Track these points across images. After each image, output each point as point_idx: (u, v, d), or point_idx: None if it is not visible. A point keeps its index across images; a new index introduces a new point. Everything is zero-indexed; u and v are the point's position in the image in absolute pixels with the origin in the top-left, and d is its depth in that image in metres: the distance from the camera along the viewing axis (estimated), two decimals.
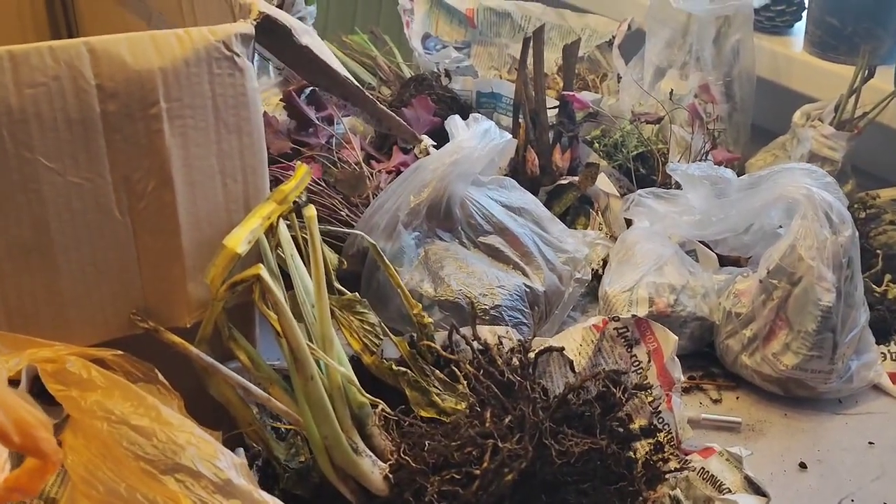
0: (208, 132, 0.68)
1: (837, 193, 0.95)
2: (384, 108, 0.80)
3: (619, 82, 1.47)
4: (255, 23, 0.69)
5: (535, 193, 1.14)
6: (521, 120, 1.17)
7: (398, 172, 1.18)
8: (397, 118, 0.81)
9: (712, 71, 1.31)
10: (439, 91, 1.26)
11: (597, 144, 1.26)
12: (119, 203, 0.66)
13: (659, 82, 1.37)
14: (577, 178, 1.13)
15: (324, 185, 1.13)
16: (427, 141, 1.12)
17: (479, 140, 0.99)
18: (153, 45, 0.64)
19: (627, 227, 1.09)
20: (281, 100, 1.16)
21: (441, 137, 1.20)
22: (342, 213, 1.05)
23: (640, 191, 1.05)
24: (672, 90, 1.35)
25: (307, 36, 0.75)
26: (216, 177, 0.69)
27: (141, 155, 0.66)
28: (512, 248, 1.00)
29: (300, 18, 1.25)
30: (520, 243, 1.00)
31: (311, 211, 0.71)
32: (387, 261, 0.85)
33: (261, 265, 0.66)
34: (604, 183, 1.14)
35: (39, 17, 1.06)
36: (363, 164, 1.17)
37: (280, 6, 1.21)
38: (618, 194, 1.13)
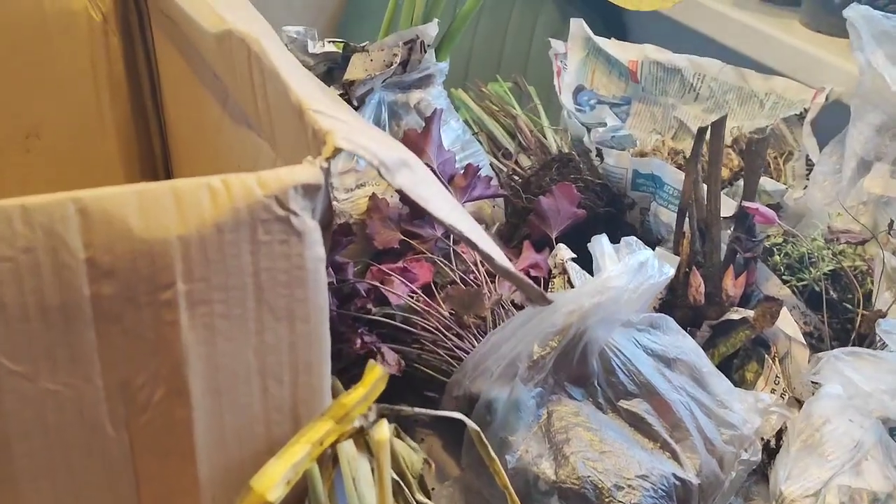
0: (245, 321, 0.48)
1: None
2: (501, 260, 0.58)
3: (806, 166, 1.21)
4: (326, 165, 0.49)
5: (696, 325, 0.91)
6: (685, 229, 0.94)
7: (527, 275, 0.96)
8: (517, 274, 0.59)
9: None
10: (588, 177, 1.03)
11: (777, 256, 1.01)
12: (113, 416, 0.47)
13: (862, 179, 1.11)
14: (751, 314, 0.89)
15: (434, 289, 0.92)
16: (564, 253, 0.90)
17: (631, 277, 0.76)
18: (174, 203, 0.45)
19: (814, 390, 0.84)
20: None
21: (583, 236, 0.98)
22: (449, 339, 0.84)
23: (835, 351, 0.81)
24: (879, 192, 1.09)
25: (405, 171, 0.54)
26: (253, 379, 0.49)
27: (146, 353, 0.46)
28: (660, 418, 0.77)
29: (427, 76, 1.04)
30: (671, 411, 0.77)
31: (382, 432, 0.50)
32: (492, 453, 0.64)
33: None
34: (786, 323, 0.89)
35: (118, 88, 0.89)
36: (479, 268, 0.96)
37: (405, 63, 1.00)
38: (803, 341, 0.88)
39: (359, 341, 0.80)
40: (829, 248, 0.97)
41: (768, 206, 1.15)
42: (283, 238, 0.48)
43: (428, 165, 0.97)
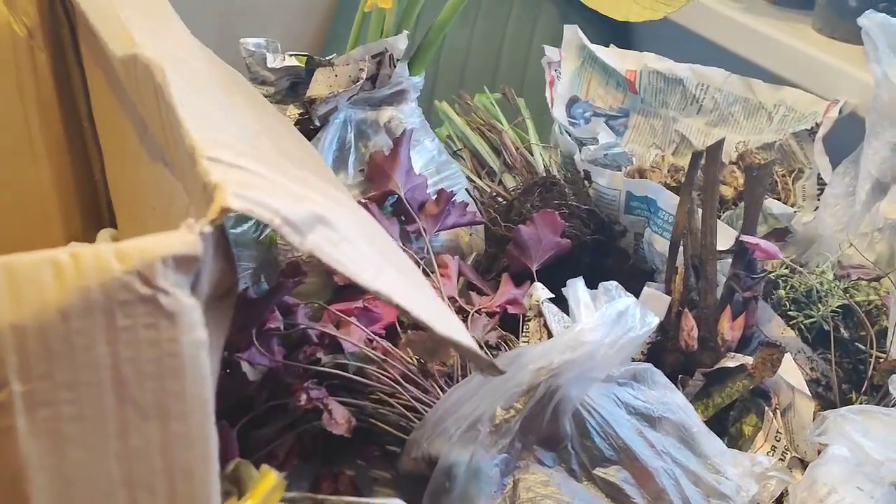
0: (103, 423, 0.39)
1: None
2: (441, 326, 0.49)
3: (817, 185, 1.12)
4: (209, 229, 0.40)
5: (688, 372, 0.82)
6: (678, 264, 0.85)
7: (504, 312, 0.88)
8: (462, 343, 0.50)
9: None
10: (573, 202, 0.94)
11: (782, 290, 0.91)
12: None
13: (878, 203, 1.01)
14: (750, 361, 0.80)
15: (399, 330, 0.84)
16: (540, 293, 0.81)
17: (608, 329, 0.67)
18: (5, 284, 0.37)
19: (820, 449, 0.75)
20: None
21: (567, 269, 0.89)
22: (408, 391, 0.75)
23: (842, 410, 0.72)
24: (893, 217, 0.99)
25: (320, 229, 0.46)
26: (117, 492, 0.40)
27: None
28: (641, 488, 0.68)
29: (399, 92, 0.95)
30: (653, 480, 0.68)
31: None
32: None
33: None
34: (789, 371, 0.80)
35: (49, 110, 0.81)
36: (457, 300, 0.88)
37: (373, 79, 0.91)
38: (808, 392, 0.79)
39: (304, 396, 0.71)
40: (838, 283, 0.87)
41: (775, 230, 1.05)
42: (149, 322, 0.39)
43: (394, 192, 0.89)
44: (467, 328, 0.85)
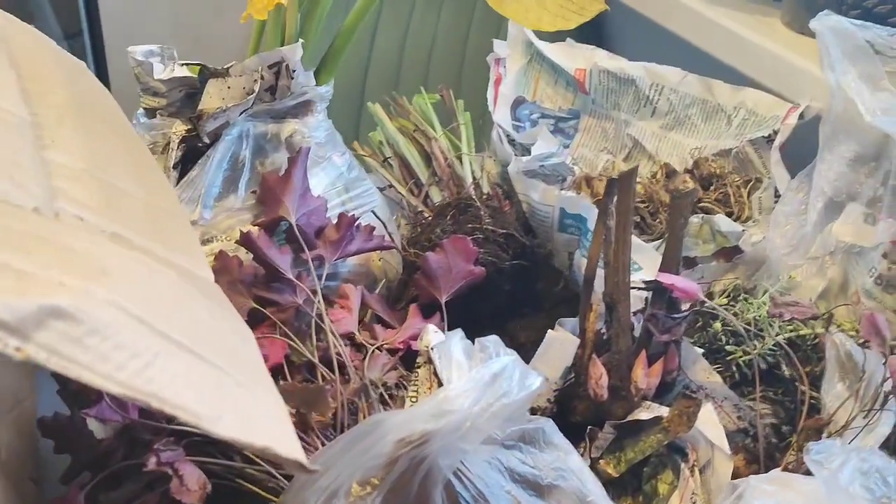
0: None
1: None
2: (214, 426, 0.42)
3: (775, 198, 1.03)
4: None
5: (600, 423, 0.74)
6: (593, 301, 0.77)
7: (408, 349, 0.80)
8: (248, 442, 0.43)
9: None
10: (489, 226, 0.86)
11: (718, 323, 0.83)
12: None
13: (830, 223, 0.92)
14: (665, 415, 0.72)
15: (286, 372, 0.77)
16: (431, 337, 0.73)
17: (479, 394, 0.59)
18: None
19: None
20: (237, 242, 0.79)
21: (486, 298, 0.82)
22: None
23: (753, 479, 0.64)
24: (850, 241, 0.90)
25: (54, 325, 0.38)
26: None
27: None
28: None
29: (304, 104, 0.88)
30: None
31: None
32: None
33: None
34: (708, 425, 0.72)
35: None
36: (356, 335, 0.80)
37: (272, 89, 0.84)
38: (727, 450, 0.71)
39: (153, 459, 0.64)
40: (773, 322, 0.79)
41: (723, 249, 0.98)
42: None
43: (284, 219, 0.81)
44: (364, 367, 0.77)
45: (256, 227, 0.80)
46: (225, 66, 0.86)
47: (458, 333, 0.65)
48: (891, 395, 0.70)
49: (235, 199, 0.83)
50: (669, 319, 0.74)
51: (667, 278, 0.73)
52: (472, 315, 0.88)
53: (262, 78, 0.83)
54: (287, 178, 0.81)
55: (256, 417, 0.47)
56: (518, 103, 1.15)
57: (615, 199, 0.74)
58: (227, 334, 0.54)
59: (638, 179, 1.07)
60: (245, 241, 0.77)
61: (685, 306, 0.77)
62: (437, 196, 0.98)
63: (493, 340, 0.63)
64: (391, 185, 1.03)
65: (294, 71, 0.83)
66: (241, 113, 0.83)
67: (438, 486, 0.61)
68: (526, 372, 0.61)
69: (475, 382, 0.59)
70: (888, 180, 0.87)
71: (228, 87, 0.84)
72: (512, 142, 1.12)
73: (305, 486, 0.62)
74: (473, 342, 0.66)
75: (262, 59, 0.83)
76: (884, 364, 0.71)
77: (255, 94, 0.83)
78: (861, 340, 0.75)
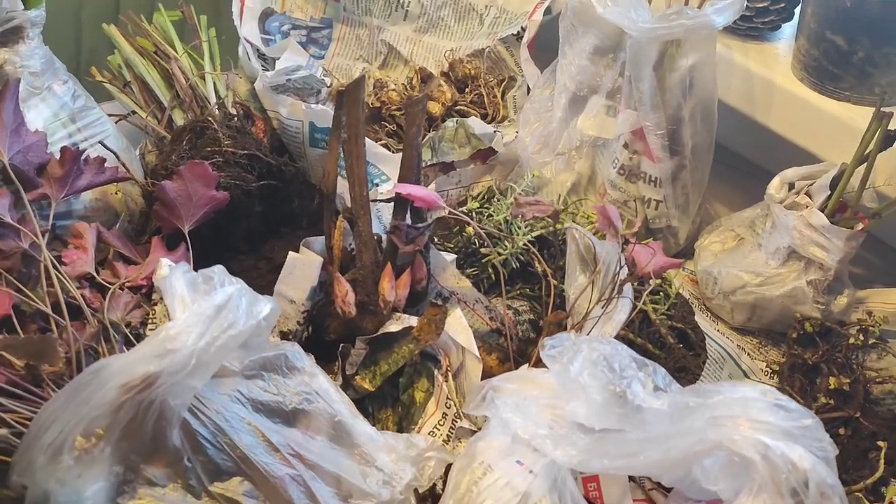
0: None
1: (825, 451, 0.55)
2: None
3: (528, 96, 1.04)
4: None
5: (352, 341, 0.73)
6: (335, 219, 0.75)
7: (152, 286, 0.77)
8: None
9: (650, 112, 0.87)
10: (229, 148, 0.82)
11: (470, 228, 0.83)
12: None
13: (576, 118, 0.93)
14: (414, 324, 0.72)
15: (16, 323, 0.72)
16: (163, 270, 0.69)
17: (203, 328, 0.56)
18: None
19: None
20: None
21: (239, 222, 0.79)
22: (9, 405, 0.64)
23: (495, 380, 0.64)
24: (594, 134, 0.92)
25: None
26: None
27: None
28: (266, 501, 0.60)
29: (13, 30, 0.80)
30: (278, 491, 0.60)
31: None
32: None
33: None
34: (458, 329, 0.72)
35: None
36: (95, 276, 0.76)
37: None
38: (476, 352, 0.72)
39: None
40: (518, 223, 0.80)
41: (479, 151, 0.98)
42: None
43: None
44: (105, 308, 0.73)
45: None
46: None
47: (183, 266, 0.61)
48: (625, 283, 0.72)
49: None
50: (413, 230, 0.73)
51: (405, 188, 0.71)
52: (226, 241, 0.85)
53: None
54: None
55: None
56: (267, 15, 1.10)
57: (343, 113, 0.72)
58: None
59: (393, 86, 1.05)
60: None
61: (434, 215, 0.77)
62: (180, 119, 0.93)
63: (218, 270, 0.60)
64: (134, 112, 0.97)
65: None
66: None
67: (174, 426, 0.59)
68: (254, 299, 0.59)
69: (198, 316, 0.57)
70: (625, 71, 0.89)
71: None
72: (264, 57, 1.07)
73: (31, 445, 0.59)
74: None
75: None
76: (620, 253, 0.73)
77: None
78: (597, 232, 0.76)
